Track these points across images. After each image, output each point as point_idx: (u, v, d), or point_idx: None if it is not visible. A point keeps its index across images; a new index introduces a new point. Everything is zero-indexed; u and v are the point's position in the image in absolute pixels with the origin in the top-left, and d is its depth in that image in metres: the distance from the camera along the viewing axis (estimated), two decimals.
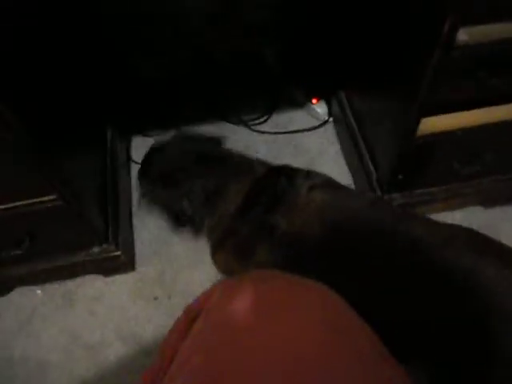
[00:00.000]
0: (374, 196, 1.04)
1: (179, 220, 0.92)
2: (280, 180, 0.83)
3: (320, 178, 0.86)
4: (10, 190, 0.84)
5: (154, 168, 0.94)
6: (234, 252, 0.86)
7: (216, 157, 0.92)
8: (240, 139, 1.35)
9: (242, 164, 0.91)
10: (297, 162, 1.33)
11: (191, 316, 0.43)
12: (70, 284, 1.14)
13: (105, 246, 1.07)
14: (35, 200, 0.86)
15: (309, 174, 0.86)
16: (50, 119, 0.89)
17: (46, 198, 0.86)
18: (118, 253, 1.09)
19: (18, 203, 0.86)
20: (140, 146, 1.35)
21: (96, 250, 1.07)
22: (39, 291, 1.14)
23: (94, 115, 1.22)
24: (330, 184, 0.86)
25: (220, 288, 0.43)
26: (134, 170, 1.30)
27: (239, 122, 1.38)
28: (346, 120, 1.23)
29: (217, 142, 0.99)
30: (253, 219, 0.81)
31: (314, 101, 1.38)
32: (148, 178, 0.95)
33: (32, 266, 1.08)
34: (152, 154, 0.97)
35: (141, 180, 0.98)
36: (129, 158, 1.33)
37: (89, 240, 1.07)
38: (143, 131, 1.38)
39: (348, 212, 0.77)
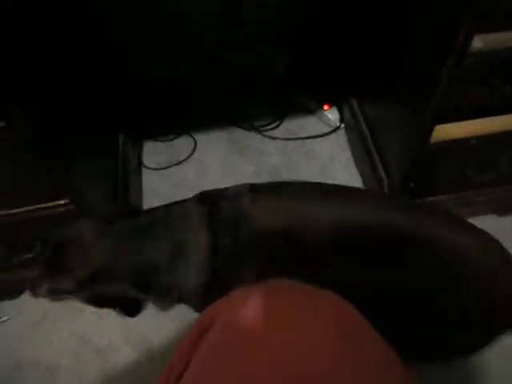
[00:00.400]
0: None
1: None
2: (221, 208, 0.77)
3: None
4: (23, 194, 0.85)
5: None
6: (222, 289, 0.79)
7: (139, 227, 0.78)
8: (251, 145, 1.35)
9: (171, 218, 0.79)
10: (308, 169, 1.35)
11: (203, 327, 0.42)
12: None
13: None
14: (47, 204, 0.87)
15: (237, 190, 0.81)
16: (62, 123, 0.90)
17: (58, 203, 0.87)
18: None
19: (30, 207, 0.87)
20: (151, 152, 1.36)
21: None
22: None
23: (105, 120, 1.23)
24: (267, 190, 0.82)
25: (231, 298, 0.43)
26: (145, 175, 1.32)
27: (251, 127, 1.38)
28: (357, 126, 1.22)
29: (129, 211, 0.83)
30: (226, 257, 0.76)
31: (325, 107, 1.38)
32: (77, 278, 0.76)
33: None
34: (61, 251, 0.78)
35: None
36: (140, 163, 1.33)
37: None
38: (155, 136, 1.38)
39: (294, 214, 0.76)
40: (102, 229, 0.76)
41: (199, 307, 0.82)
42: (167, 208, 0.81)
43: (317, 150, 1.34)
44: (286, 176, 1.29)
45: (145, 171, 1.32)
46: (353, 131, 1.27)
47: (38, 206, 0.86)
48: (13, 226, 0.91)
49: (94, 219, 0.79)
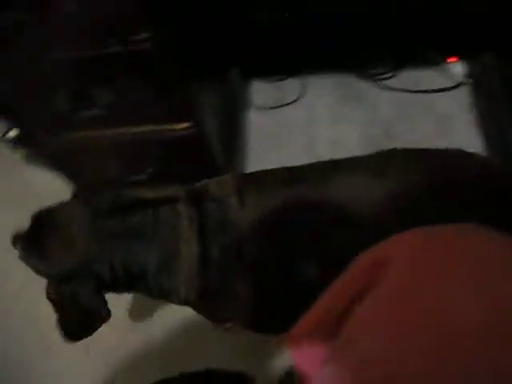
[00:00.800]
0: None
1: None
2: (209, 211, 0.73)
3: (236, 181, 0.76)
4: (151, 113, 0.87)
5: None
6: (216, 299, 0.77)
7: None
8: (363, 93, 1.29)
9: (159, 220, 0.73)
10: (423, 124, 1.26)
11: (377, 262, 0.40)
12: None
13: None
14: (171, 126, 0.89)
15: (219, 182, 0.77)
16: (190, 51, 0.90)
17: (181, 126, 0.88)
18: None
19: (155, 127, 0.90)
20: (261, 91, 1.34)
21: None
22: None
23: (221, 56, 1.22)
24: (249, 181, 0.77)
25: (410, 237, 0.40)
26: (253, 113, 1.31)
27: (364, 75, 1.31)
28: (488, 84, 1.12)
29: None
30: (216, 270, 0.73)
31: (450, 60, 1.27)
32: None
33: None
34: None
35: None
36: (249, 102, 1.32)
37: (206, 176, 1.10)
38: (265, 76, 1.36)
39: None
40: (90, 220, 0.71)
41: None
42: (157, 210, 0.73)
43: (435, 106, 1.25)
44: (399, 129, 1.22)
45: (253, 110, 1.31)
46: (481, 89, 1.17)
47: (163, 126, 0.88)
48: (135, 145, 0.95)
49: (85, 206, 0.72)
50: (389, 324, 0.35)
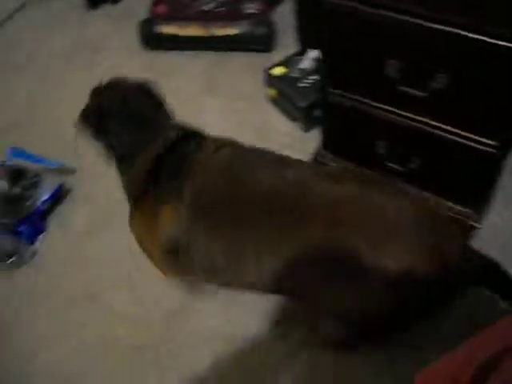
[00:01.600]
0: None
1: None
2: (189, 144, 0.92)
3: (228, 140, 0.95)
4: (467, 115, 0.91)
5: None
6: (141, 215, 0.93)
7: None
8: None
9: (157, 124, 0.96)
10: None
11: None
12: None
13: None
14: (477, 137, 0.91)
15: (216, 140, 0.95)
16: None
17: (487, 141, 0.90)
18: None
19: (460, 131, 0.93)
20: None
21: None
22: None
23: None
24: (237, 144, 0.95)
25: None
26: None
27: None
28: None
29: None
30: (162, 182, 0.89)
31: None
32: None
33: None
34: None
35: None
36: None
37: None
38: None
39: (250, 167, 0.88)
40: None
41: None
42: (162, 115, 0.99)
43: None
44: None
45: None
46: None
47: (468, 134, 0.91)
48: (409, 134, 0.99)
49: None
50: None
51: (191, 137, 0.94)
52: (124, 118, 0.93)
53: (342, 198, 0.78)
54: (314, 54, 1.50)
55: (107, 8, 2.11)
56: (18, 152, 1.41)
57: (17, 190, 1.30)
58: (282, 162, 0.89)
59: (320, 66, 1.44)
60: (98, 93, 0.99)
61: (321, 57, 1.44)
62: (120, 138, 0.93)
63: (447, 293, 0.79)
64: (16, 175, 1.32)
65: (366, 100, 1.03)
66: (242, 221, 0.83)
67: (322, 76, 1.40)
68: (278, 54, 1.68)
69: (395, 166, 1.10)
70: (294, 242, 0.79)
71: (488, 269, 0.80)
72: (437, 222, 0.80)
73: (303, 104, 1.38)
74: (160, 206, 0.88)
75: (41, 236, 1.31)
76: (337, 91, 1.06)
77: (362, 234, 0.74)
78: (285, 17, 1.79)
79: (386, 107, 1.01)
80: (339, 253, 0.75)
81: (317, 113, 1.42)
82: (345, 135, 1.17)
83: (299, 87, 1.42)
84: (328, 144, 1.22)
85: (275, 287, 0.86)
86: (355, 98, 1.04)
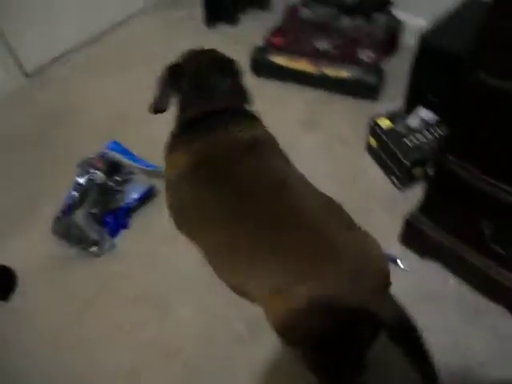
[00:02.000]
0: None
1: None
2: (228, 120, 1.06)
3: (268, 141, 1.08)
4: None
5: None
6: (167, 154, 1.10)
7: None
8: None
9: (216, 94, 1.11)
10: None
11: None
12: None
13: None
14: None
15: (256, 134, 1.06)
16: None
17: None
18: None
19: None
20: None
21: None
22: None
23: None
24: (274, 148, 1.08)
25: None
26: None
27: None
28: None
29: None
30: (186, 135, 1.08)
31: None
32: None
33: None
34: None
35: None
36: None
37: None
38: None
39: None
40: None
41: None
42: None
43: None
44: None
45: None
46: None
47: None
48: None
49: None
50: None
51: (237, 116, 1.09)
52: (193, 81, 1.11)
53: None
54: (423, 113, 1.46)
55: (224, 28, 2.19)
56: (117, 146, 1.47)
57: (111, 183, 1.35)
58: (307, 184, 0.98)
59: (434, 129, 1.42)
60: (188, 54, 1.17)
61: (437, 119, 1.43)
62: (185, 95, 1.12)
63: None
64: (112, 169, 1.37)
65: (484, 177, 0.98)
66: (238, 195, 0.93)
67: (438, 140, 1.37)
68: (382, 104, 1.67)
69: (498, 249, 1.04)
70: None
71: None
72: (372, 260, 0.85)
73: (406, 161, 1.35)
74: (174, 151, 1.08)
75: (122, 231, 1.35)
76: (455, 160, 1.02)
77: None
78: (396, 68, 1.78)
79: (505, 187, 0.96)
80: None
81: (416, 172, 1.38)
82: (449, 205, 1.12)
83: (403, 143, 1.39)
84: (427, 209, 1.18)
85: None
86: (474, 172, 0.99)
